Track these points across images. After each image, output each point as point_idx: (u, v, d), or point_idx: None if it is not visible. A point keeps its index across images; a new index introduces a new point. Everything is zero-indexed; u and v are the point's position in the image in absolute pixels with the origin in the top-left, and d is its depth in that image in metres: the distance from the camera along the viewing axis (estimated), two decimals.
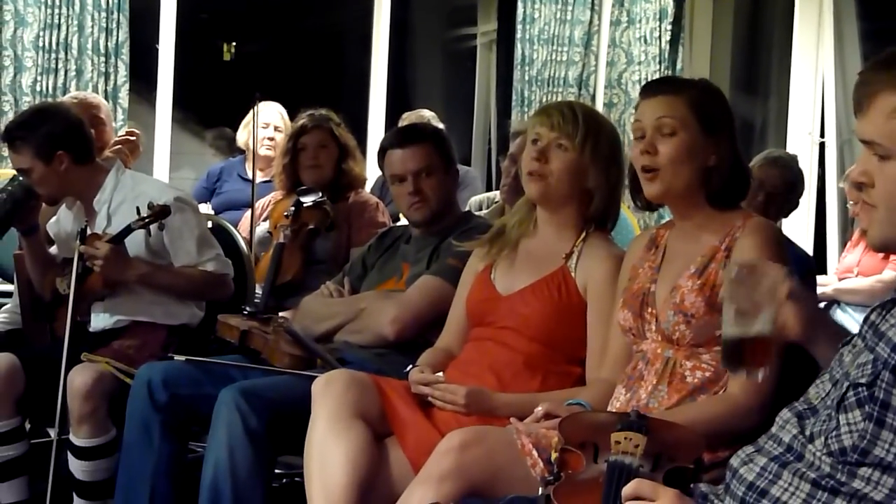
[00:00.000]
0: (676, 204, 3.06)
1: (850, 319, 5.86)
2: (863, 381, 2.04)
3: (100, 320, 4.40)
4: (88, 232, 4.30)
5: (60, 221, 4.60)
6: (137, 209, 4.20)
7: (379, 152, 4.21)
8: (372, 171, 7.96)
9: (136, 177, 4.63)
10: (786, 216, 5.46)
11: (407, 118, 7.43)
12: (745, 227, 2.94)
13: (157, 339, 4.38)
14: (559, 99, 8.27)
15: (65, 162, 4.34)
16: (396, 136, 4.23)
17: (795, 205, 5.42)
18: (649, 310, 3.02)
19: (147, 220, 4.19)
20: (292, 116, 5.96)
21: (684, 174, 2.97)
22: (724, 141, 3.01)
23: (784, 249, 2.92)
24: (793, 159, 5.48)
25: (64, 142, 4.35)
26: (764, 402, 2.78)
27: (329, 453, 3.07)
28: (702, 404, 2.86)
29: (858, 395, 2.05)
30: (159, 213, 4.19)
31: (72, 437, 4.11)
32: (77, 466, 4.13)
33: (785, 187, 5.21)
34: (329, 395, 3.16)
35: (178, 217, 4.32)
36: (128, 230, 4.20)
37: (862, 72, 2.17)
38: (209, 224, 4.74)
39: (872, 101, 2.09)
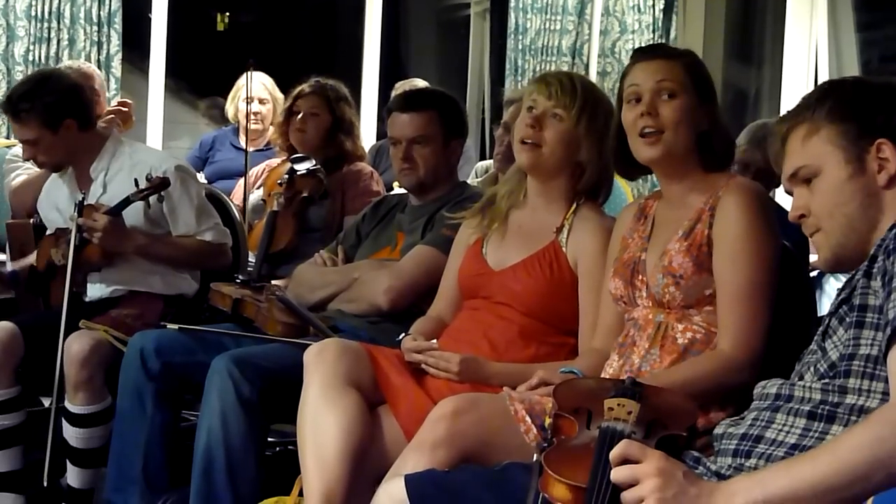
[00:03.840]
0: (670, 168, 3.06)
1: None
2: (843, 296, 2.20)
3: (96, 290, 4.39)
4: (85, 202, 4.28)
5: (50, 195, 4.58)
6: (136, 181, 4.18)
7: (385, 112, 4.23)
8: (365, 141, 7.96)
9: (134, 145, 4.62)
10: (777, 186, 5.43)
11: (400, 87, 7.42)
12: (729, 185, 2.96)
13: (155, 309, 4.38)
14: (553, 68, 8.26)
15: (72, 129, 4.34)
16: (401, 100, 4.24)
17: None
18: (640, 277, 3.03)
19: (146, 193, 4.18)
20: (286, 86, 5.95)
21: (684, 136, 2.99)
22: (714, 108, 3.07)
23: (768, 208, 2.95)
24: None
25: (69, 108, 4.35)
26: (754, 356, 2.83)
27: (322, 422, 3.06)
28: (693, 363, 2.88)
29: (839, 315, 2.20)
30: (159, 186, 4.18)
31: (67, 404, 4.11)
32: (72, 433, 4.13)
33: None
34: (321, 363, 3.15)
35: (177, 186, 4.31)
36: (126, 202, 4.19)
37: (770, 131, 2.50)
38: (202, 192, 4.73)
39: (787, 143, 2.42)
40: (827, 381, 2.17)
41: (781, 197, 7.37)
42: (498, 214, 3.55)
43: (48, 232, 4.60)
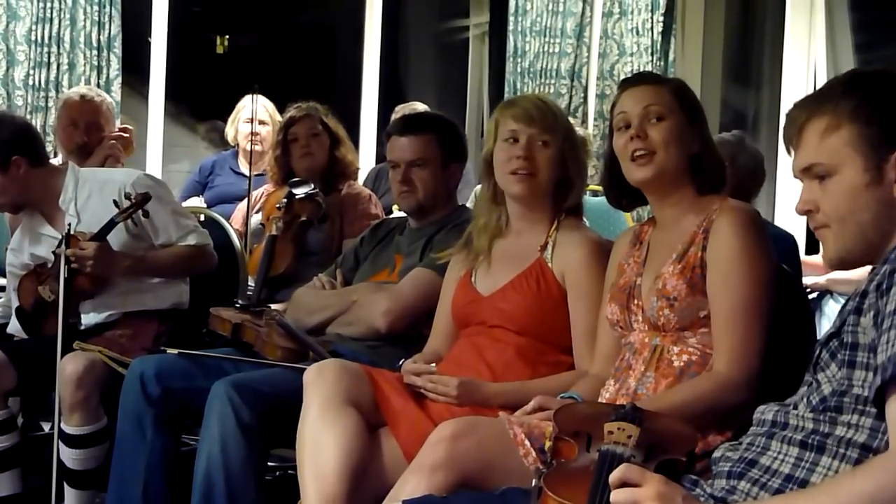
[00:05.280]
0: (662, 190, 3.10)
1: None
2: (832, 331, 2.17)
3: (90, 318, 4.38)
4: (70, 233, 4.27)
5: (22, 252, 4.56)
6: (115, 202, 4.19)
7: (385, 135, 4.25)
8: (365, 164, 7.96)
9: (92, 170, 4.64)
10: (748, 197, 5.35)
11: (400, 111, 7.43)
12: (721, 208, 2.98)
13: (150, 328, 4.39)
14: (552, 91, 8.28)
15: (22, 166, 4.34)
16: (400, 124, 4.26)
17: (753, 183, 5.26)
18: (636, 302, 3.05)
19: (131, 211, 4.19)
20: (284, 110, 5.97)
21: (675, 157, 3.03)
22: (703, 130, 3.11)
23: (761, 230, 2.96)
24: (735, 137, 5.38)
25: (16, 147, 4.35)
26: (751, 375, 2.84)
27: (321, 441, 3.07)
28: (690, 385, 2.89)
29: (830, 349, 2.17)
30: (141, 202, 4.20)
31: (63, 426, 4.10)
32: (68, 455, 4.12)
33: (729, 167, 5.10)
34: (321, 383, 3.17)
35: (151, 195, 4.31)
36: (111, 224, 4.19)
37: (788, 113, 2.33)
38: (201, 217, 4.73)
39: (803, 132, 2.28)
40: (818, 413, 2.16)
41: (779, 216, 7.38)
42: (481, 248, 3.57)
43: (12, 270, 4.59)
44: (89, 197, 4.40)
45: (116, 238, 4.28)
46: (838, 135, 2.24)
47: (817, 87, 7.39)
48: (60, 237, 4.23)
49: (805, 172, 2.31)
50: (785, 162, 7.53)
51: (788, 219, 7.39)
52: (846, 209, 2.24)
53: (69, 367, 4.04)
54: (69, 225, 4.28)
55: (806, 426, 2.17)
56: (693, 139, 3.06)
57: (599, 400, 3.03)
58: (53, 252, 4.26)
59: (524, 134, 3.44)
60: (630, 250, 3.19)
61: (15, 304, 4.51)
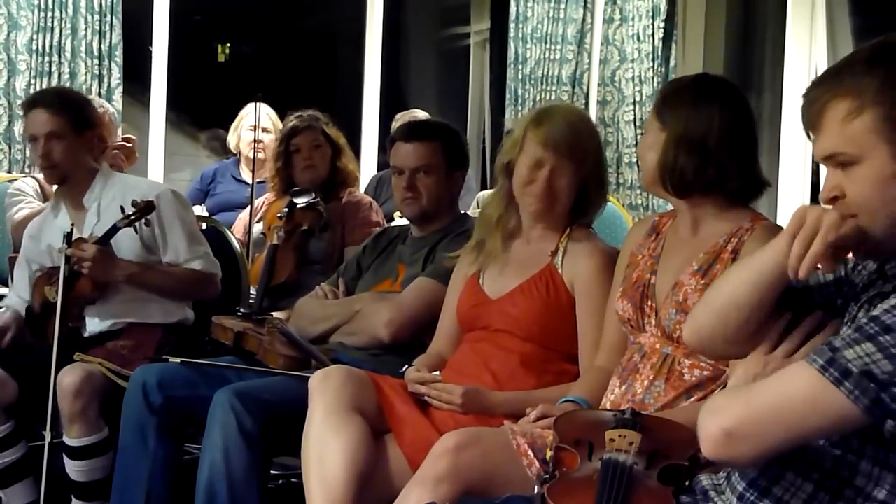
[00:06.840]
0: (663, 195, 3.08)
1: None
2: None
3: (94, 325, 4.37)
4: (76, 234, 4.27)
5: (43, 235, 4.57)
6: (122, 208, 4.19)
7: (389, 142, 4.23)
8: (366, 172, 7.96)
9: (126, 176, 4.65)
10: None
11: (400, 118, 7.43)
12: (755, 229, 2.92)
13: (153, 340, 4.36)
14: (553, 97, 8.27)
15: (92, 141, 4.44)
16: (405, 130, 4.23)
17: None
18: (649, 303, 3.02)
19: (132, 218, 4.18)
20: (285, 118, 5.97)
21: (647, 165, 3.04)
22: (673, 132, 2.95)
23: None
24: None
25: (94, 125, 4.47)
26: None
27: (327, 447, 3.08)
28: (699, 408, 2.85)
29: None
30: (144, 210, 4.18)
31: (65, 438, 4.09)
32: (72, 467, 4.11)
33: None
34: (326, 389, 3.17)
35: (169, 210, 4.32)
36: (114, 229, 4.18)
37: (805, 93, 2.13)
38: (203, 225, 4.73)
39: (823, 115, 2.08)
40: (838, 449, 2.05)
41: (781, 221, 7.36)
42: (494, 249, 3.55)
43: (35, 269, 4.58)
44: (113, 200, 4.37)
45: (128, 246, 4.29)
46: (861, 120, 2.02)
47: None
48: (63, 235, 4.25)
49: (827, 161, 2.10)
50: (786, 165, 7.54)
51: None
52: (875, 202, 2.04)
53: (67, 378, 4.03)
54: (72, 225, 4.29)
55: (824, 465, 2.07)
56: (658, 144, 2.99)
57: (604, 400, 3.02)
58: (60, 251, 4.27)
59: (549, 162, 3.39)
60: (644, 241, 3.16)
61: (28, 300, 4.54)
